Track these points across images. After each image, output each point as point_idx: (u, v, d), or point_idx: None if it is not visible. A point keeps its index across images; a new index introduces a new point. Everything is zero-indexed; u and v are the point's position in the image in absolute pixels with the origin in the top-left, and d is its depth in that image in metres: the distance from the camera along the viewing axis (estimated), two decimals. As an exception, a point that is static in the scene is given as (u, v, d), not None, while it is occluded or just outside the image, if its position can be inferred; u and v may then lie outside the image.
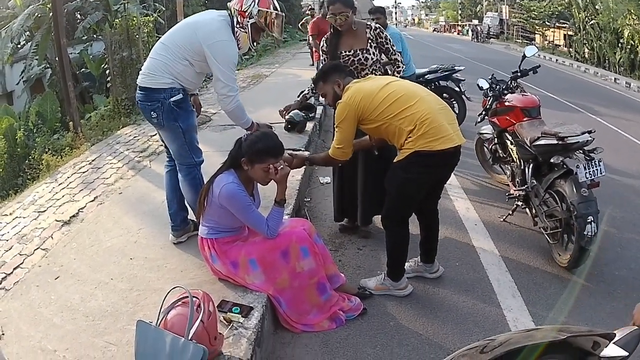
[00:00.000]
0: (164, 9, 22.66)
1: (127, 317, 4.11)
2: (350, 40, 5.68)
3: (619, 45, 24.99)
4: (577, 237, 5.16)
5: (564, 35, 32.06)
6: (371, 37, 5.69)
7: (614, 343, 1.46)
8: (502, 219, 6.58)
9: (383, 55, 5.90)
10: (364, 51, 5.63)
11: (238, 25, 4.83)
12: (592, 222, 5.05)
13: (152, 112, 4.84)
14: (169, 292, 3.48)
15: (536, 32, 33.65)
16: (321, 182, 7.63)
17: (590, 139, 5.35)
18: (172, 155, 5.19)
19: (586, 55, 28.48)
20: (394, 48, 5.89)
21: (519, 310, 4.76)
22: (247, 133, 4.49)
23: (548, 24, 33.28)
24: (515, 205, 6.41)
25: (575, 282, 5.29)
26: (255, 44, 5.09)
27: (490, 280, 5.26)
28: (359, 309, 4.64)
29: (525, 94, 6.99)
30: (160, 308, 3.41)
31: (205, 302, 3.47)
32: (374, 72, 5.69)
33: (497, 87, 7.05)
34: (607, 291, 5.13)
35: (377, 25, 5.77)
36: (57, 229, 5.91)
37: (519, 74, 7.11)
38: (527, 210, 6.18)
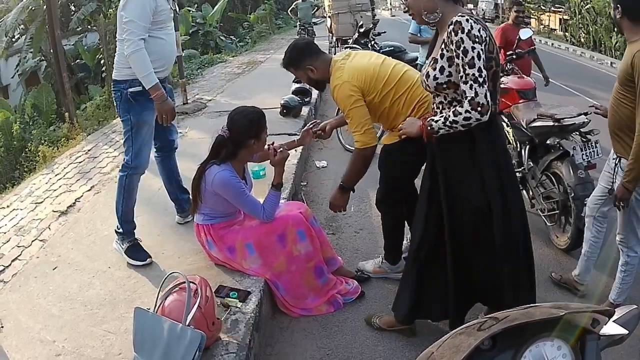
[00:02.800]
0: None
1: (125, 305, 4.13)
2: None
3: (615, 29, 25.01)
4: (574, 219, 5.17)
5: (560, 19, 31.93)
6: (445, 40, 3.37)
7: (613, 321, 1.45)
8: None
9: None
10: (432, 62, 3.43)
11: None
12: None
13: (115, 102, 4.88)
14: (165, 278, 3.50)
15: (532, 16, 33.47)
16: (317, 166, 7.63)
17: (586, 120, 5.31)
18: (158, 145, 5.23)
19: (582, 40, 28.42)
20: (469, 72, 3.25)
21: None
22: (223, 129, 4.39)
23: (543, 8, 33.15)
24: (512, 188, 6.33)
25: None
26: None
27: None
28: (357, 292, 4.65)
29: (521, 76, 6.99)
30: (158, 294, 3.43)
31: (203, 287, 3.48)
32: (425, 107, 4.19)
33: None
34: (605, 273, 5.07)
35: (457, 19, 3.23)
36: (54, 219, 5.92)
37: (514, 56, 7.09)
38: (524, 192, 6.15)
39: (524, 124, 5.81)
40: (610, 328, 1.31)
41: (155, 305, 3.39)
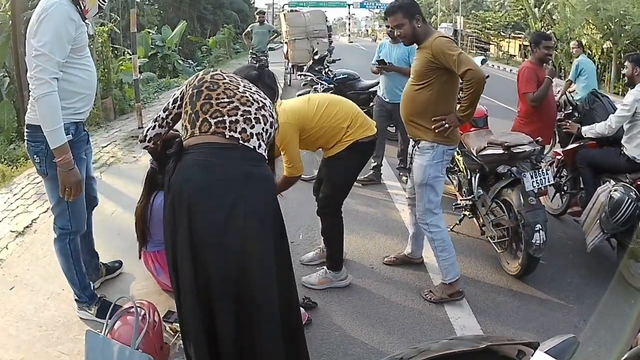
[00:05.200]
0: (119, 18, 22.60)
1: (78, 327, 4.23)
2: None
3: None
4: (525, 245, 5.26)
5: (519, 45, 32.48)
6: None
7: (545, 352, 1.46)
8: (449, 229, 6.59)
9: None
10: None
11: None
12: (540, 230, 5.14)
13: (35, 156, 4.01)
14: (114, 302, 3.53)
15: (491, 42, 33.96)
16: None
17: (537, 148, 5.45)
18: None
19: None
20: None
21: (467, 318, 4.81)
22: (152, 162, 4.43)
23: (503, 34, 33.71)
24: (462, 215, 6.50)
25: (525, 290, 5.40)
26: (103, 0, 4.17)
27: (437, 291, 5.29)
28: (304, 319, 4.64)
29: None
30: (107, 318, 3.45)
31: (151, 312, 3.61)
32: None
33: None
34: (559, 298, 5.23)
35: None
36: (11, 239, 5.95)
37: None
38: (475, 219, 6.27)
39: (475, 152, 5.90)
40: (539, 358, 1.32)
41: (105, 329, 3.43)
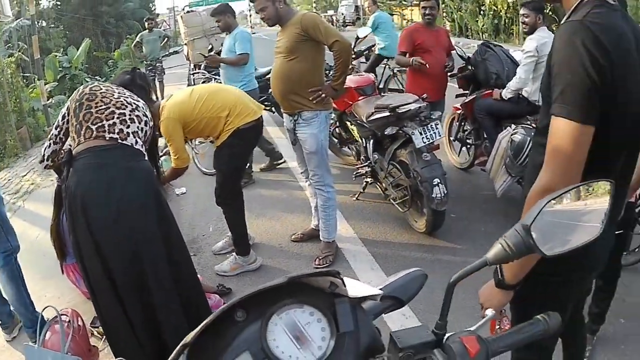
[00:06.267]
0: (26, 46, 22.24)
1: (20, 348, 4.37)
2: None
3: (481, 12, 25.91)
4: (427, 201, 5.34)
5: (422, 11, 32.87)
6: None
7: (387, 284, 1.54)
8: (354, 198, 6.72)
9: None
10: None
11: None
12: (440, 184, 5.23)
13: None
14: (42, 311, 3.65)
15: (394, 12, 34.16)
16: (177, 193, 7.65)
17: (423, 105, 5.50)
18: None
19: (447, 27, 29.26)
20: None
21: (379, 280, 4.82)
22: (58, 180, 4.45)
23: (405, 3, 33.96)
24: (364, 182, 6.54)
25: (439, 244, 5.52)
26: None
27: (346, 257, 5.40)
28: (219, 305, 4.66)
29: (361, 73, 7.14)
30: (38, 330, 3.54)
31: (74, 318, 3.79)
32: None
33: (330, 72, 7.14)
34: (475, 247, 5.34)
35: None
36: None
37: (353, 55, 7.22)
38: (377, 185, 6.34)
39: (365, 119, 5.95)
40: (355, 290, 1.34)
41: (38, 341, 3.53)
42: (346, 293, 1.32)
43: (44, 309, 3.62)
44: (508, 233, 1.35)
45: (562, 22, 1.94)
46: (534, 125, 5.55)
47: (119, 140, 3.45)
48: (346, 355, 1.26)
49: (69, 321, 3.68)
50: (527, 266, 1.95)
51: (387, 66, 10.78)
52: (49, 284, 5.34)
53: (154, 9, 50.93)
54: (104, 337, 4.02)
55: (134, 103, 3.69)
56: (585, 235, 1.38)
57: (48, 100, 13.83)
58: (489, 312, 1.74)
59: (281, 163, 8.43)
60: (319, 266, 5.22)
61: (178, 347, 1.19)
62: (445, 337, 1.33)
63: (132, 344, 3.49)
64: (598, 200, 1.41)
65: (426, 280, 1.59)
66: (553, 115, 1.83)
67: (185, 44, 15.24)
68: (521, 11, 5.93)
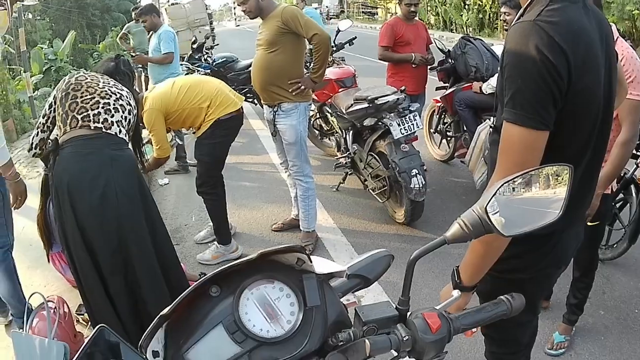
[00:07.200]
0: (12, 38, 22.05)
1: (7, 336, 4.53)
2: None
3: (466, 6, 25.97)
4: (405, 191, 5.41)
5: (408, 5, 32.86)
6: None
7: (351, 265, 1.55)
8: (334, 189, 6.80)
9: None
10: None
11: None
12: (418, 175, 5.29)
13: None
14: (29, 298, 3.63)
15: (378, 6, 34.17)
16: (160, 184, 7.70)
17: (401, 97, 5.54)
18: None
19: (432, 22, 29.35)
20: None
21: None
22: (43, 168, 4.48)
23: (390, -5, 34.07)
24: (345, 173, 6.63)
25: (417, 234, 5.60)
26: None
27: (326, 247, 5.48)
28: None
29: (341, 65, 7.20)
30: (25, 317, 3.56)
31: (60, 304, 3.83)
32: None
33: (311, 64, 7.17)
34: None
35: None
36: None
37: (334, 47, 7.28)
38: (357, 175, 6.39)
39: (344, 110, 6.02)
40: (321, 266, 1.41)
41: (25, 327, 3.55)
42: (313, 269, 1.39)
43: (30, 296, 3.68)
44: (465, 213, 1.39)
45: (514, 21, 1.91)
46: None
47: (104, 130, 3.54)
48: (314, 329, 1.33)
49: (55, 308, 3.75)
50: (483, 267, 1.97)
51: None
52: (35, 274, 5.36)
53: (139, 1, 50.65)
54: (89, 324, 4.12)
55: (118, 92, 3.77)
56: (545, 218, 1.42)
57: (34, 92, 13.75)
58: (455, 293, 1.74)
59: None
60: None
61: (156, 318, 1.25)
62: (409, 313, 1.40)
63: (118, 330, 3.55)
64: (558, 185, 1.45)
65: (392, 261, 1.65)
66: (504, 120, 1.83)
67: (169, 36, 15.19)
68: (502, 9, 5.93)
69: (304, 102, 5.21)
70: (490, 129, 5.23)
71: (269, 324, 1.31)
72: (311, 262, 1.38)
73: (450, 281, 2.10)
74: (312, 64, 5.06)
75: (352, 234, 5.68)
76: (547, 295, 4.09)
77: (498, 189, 1.36)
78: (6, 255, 4.29)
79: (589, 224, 3.37)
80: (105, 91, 3.67)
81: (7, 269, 4.29)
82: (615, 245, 4.67)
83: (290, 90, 5.05)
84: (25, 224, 5.82)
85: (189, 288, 1.28)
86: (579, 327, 3.96)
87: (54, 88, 12.81)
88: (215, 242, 5.50)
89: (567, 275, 3.45)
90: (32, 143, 3.95)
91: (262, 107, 6.06)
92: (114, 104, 3.65)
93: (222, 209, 5.38)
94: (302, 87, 5.04)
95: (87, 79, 3.69)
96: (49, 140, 3.79)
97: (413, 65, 6.63)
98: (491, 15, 24.92)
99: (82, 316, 4.42)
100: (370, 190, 6.08)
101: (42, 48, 24.07)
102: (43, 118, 3.82)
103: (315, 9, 38.46)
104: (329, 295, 1.42)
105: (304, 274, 1.38)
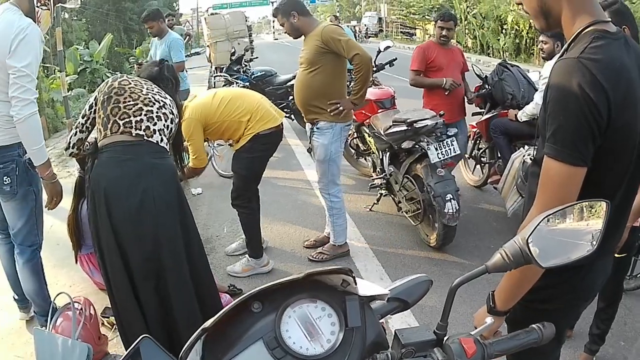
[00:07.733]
0: (48, 37, 22.20)
1: (29, 332, 4.51)
2: None
3: (503, 31, 25.90)
4: (439, 215, 5.41)
5: (446, 27, 32.76)
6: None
7: (391, 289, 1.58)
8: (368, 209, 6.85)
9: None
10: None
11: (39, 4, 4.04)
12: (452, 200, 5.29)
13: (5, 178, 3.91)
14: (54, 298, 3.66)
15: (416, 27, 34.14)
16: (193, 193, 7.77)
17: (439, 121, 5.56)
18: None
19: (469, 45, 29.28)
20: None
21: (386, 289, 4.92)
22: (79, 171, 4.61)
23: (428, 17, 33.97)
24: (379, 194, 6.67)
25: (448, 259, 5.58)
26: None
27: (357, 266, 5.46)
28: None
29: (381, 87, 7.24)
30: (50, 315, 3.61)
31: (86, 306, 3.91)
32: None
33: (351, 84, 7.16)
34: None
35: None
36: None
37: (374, 68, 7.31)
38: (391, 197, 6.45)
39: (382, 132, 6.04)
40: (365, 289, 1.45)
41: (49, 325, 3.60)
42: (356, 291, 1.42)
43: (56, 296, 3.67)
44: (507, 244, 1.45)
45: (559, 57, 1.93)
46: None
47: (145, 137, 3.53)
48: (353, 349, 1.35)
49: (81, 309, 3.80)
50: (517, 294, 2.02)
51: None
52: (61, 273, 5.42)
53: (178, 9, 51.04)
54: (114, 327, 4.17)
55: (162, 100, 3.75)
56: (579, 251, 1.46)
57: (68, 92, 13.87)
58: (489, 320, 1.82)
59: None
60: (313, 258, 5.56)
61: (197, 330, 1.28)
62: (445, 337, 1.42)
63: None
64: (593, 219, 1.48)
65: (431, 286, 1.67)
66: (545, 154, 1.86)
67: (208, 46, 15.24)
68: (540, 37, 5.92)
69: (342, 123, 5.24)
70: (527, 158, 5.26)
71: (308, 342, 1.34)
72: (356, 284, 1.41)
73: (482, 306, 2.17)
74: (352, 84, 5.09)
75: (383, 255, 5.68)
76: (572, 325, 4.09)
77: (539, 223, 1.40)
78: (34, 254, 4.28)
79: (616, 255, 3.38)
80: (149, 98, 3.66)
81: (34, 268, 4.29)
82: (638, 275, 4.63)
83: (328, 111, 5.10)
84: (53, 223, 5.88)
85: (232, 303, 1.31)
86: (599, 357, 3.94)
87: (88, 89, 12.97)
88: (247, 255, 5.50)
89: (591, 306, 3.46)
90: (70, 142, 3.89)
91: (299, 123, 6.10)
92: (156, 112, 3.64)
93: (255, 223, 5.38)
94: (341, 107, 5.08)
95: (130, 84, 3.66)
96: (87, 142, 3.86)
97: (446, 93, 6.47)
98: (528, 40, 24.85)
99: (107, 319, 4.45)
100: (404, 213, 6.11)
101: (77, 49, 24.15)
102: (82, 118, 3.78)
103: (354, 27, 38.40)
104: (369, 317, 1.44)
105: (347, 295, 1.41)
